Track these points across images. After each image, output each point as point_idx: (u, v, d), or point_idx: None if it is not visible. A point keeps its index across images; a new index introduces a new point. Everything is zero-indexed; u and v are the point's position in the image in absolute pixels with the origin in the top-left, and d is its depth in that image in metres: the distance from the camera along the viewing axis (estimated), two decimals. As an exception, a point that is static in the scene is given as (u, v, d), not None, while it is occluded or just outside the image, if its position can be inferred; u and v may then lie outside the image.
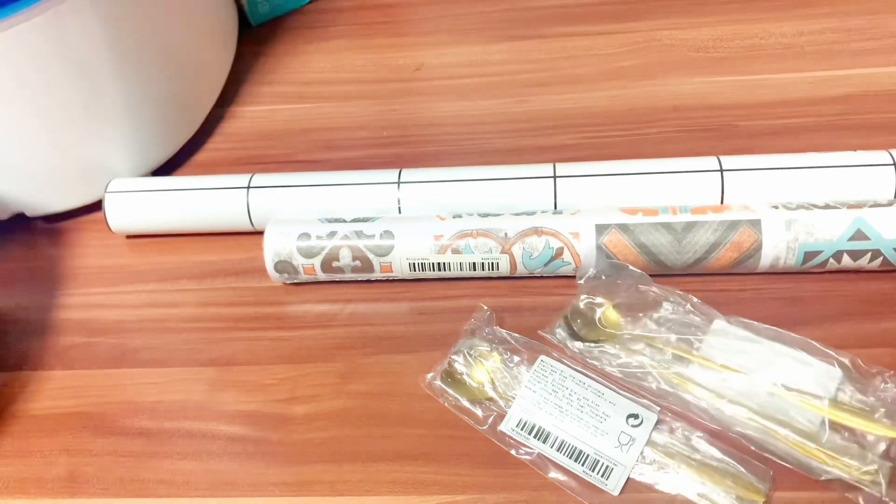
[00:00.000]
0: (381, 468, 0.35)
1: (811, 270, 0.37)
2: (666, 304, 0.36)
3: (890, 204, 0.36)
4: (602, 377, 0.35)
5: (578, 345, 0.36)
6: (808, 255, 0.36)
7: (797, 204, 0.37)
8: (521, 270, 0.38)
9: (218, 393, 0.38)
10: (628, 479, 0.33)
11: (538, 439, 0.34)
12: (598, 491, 0.33)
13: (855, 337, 0.36)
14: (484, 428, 0.35)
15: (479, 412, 0.35)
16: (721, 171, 0.38)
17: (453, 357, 0.37)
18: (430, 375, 0.37)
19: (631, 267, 0.37)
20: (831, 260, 0.36)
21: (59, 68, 0.38)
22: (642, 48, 0.49)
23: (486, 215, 0.39)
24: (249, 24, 0.53)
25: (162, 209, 0.42)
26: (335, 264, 0.39)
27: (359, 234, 0.38)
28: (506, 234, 0.38)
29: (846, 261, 0.36)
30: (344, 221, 0.39)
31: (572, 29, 0.50)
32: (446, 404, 0.36)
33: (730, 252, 0.37)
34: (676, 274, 0.38)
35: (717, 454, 0.33)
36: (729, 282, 0.38)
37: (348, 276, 0.39)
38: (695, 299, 0.36)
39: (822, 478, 0.32)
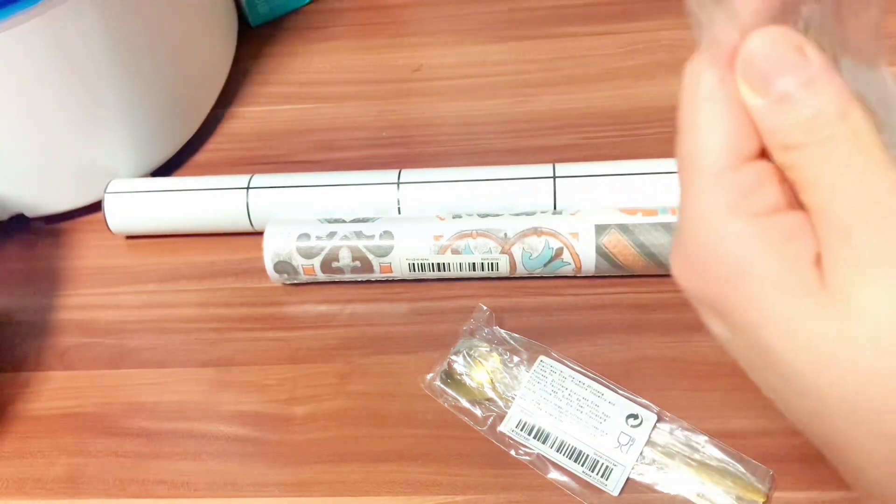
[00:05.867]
0: (380, 468, 0.35)
1: (811, 270, 0.37)
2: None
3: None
4: (602, 377, 0.35)
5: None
6: (808, 256, 0.36)
7: (797, 204, 0.37)
8: (520, 271, 0.38)
9: (218, 393, 0.38)
10: (628, 479, 0.33)
11: (538, 440, 0.34)
12: (598, 491, 0.33)
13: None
14: (483, 428, 0.35)
15: (478, 412, 0.35)
16: (721, 171, 0.38)
17: (453, 357, 0.37)
18: (429, 376, 0.37)
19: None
20: (831, 260, 0.36)
21: (58, 69, 0.38)
22: (642, 48, 0.48)
23: (485, 216, 0.39)
24: (249, 25, 0.53)
25: (162, 210, 0.42)
26: (335, 265, 0.39)
27: (358, 235, 0.38)
28: (505, 235, 0.38)
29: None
30: (343, 222, 0.39)
31: (572, 29, 0.50)
32: (446, 405, 0.36)
33: (729, 252, 0.36)
34: (676, 274, 0.38)
35: (718, 454, 0.33)
36: (729, 282, 0.38)
37: (348, 276, 0.39)
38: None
39: None
